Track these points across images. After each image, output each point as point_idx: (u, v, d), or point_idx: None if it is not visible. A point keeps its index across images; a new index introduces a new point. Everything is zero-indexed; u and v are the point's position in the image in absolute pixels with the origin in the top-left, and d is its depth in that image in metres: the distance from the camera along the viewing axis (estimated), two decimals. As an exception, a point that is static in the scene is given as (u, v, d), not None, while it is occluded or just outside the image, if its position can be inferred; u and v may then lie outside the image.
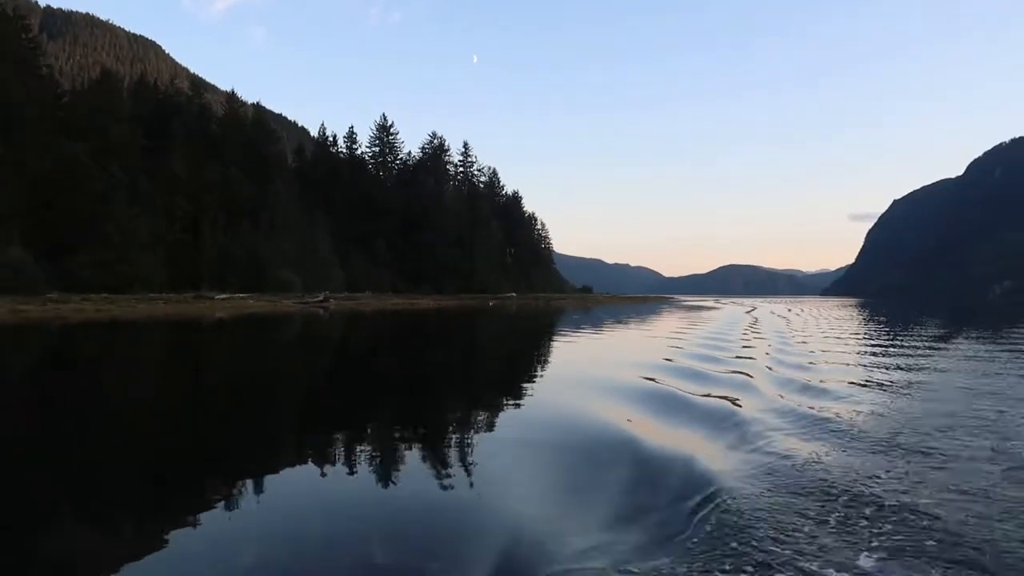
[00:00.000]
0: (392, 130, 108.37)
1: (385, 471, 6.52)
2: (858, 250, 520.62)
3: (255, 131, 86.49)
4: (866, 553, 4.15)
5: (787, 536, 4.42)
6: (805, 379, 12.26)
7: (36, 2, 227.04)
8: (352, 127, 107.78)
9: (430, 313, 53.76)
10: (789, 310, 62.23)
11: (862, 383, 11.95)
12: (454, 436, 8.21)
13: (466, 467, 6.51)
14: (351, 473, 6.50)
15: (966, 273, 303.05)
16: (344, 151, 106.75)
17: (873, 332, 29.40)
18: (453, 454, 7.12)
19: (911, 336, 25.74)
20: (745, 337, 24.62)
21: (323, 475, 6.46)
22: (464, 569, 4.11)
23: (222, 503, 5.51)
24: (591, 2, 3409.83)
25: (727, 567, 3.97)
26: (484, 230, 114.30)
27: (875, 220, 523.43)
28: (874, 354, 18.41)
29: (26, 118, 56.09)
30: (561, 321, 42.98)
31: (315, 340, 27.36)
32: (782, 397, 10.22)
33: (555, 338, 27.30)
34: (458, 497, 5.66)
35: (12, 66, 57.40)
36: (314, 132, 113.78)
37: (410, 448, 7.41)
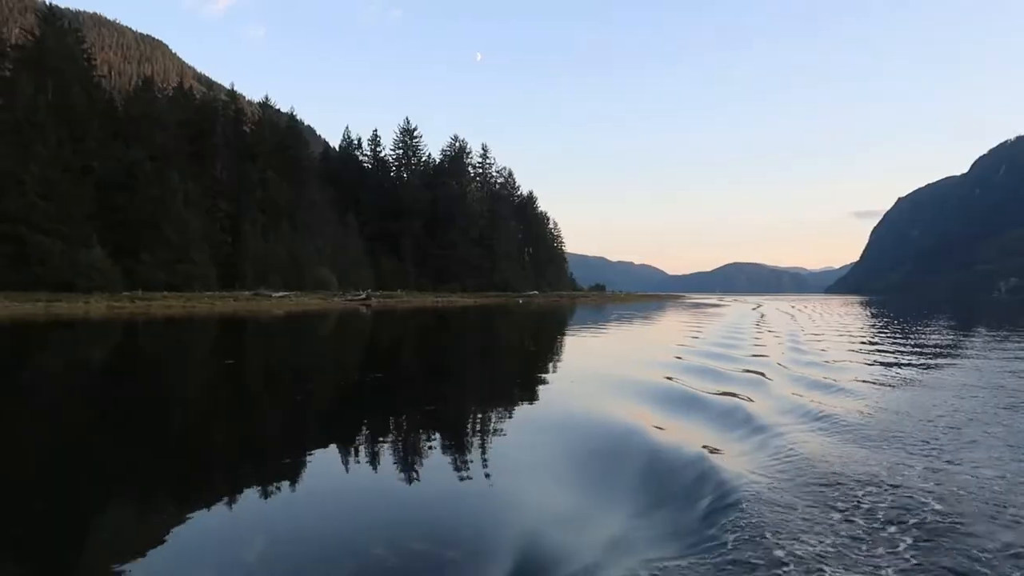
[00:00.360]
0: (416, 133, 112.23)
1: (417, 461, 6.97)
2: (863, 248, 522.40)
3: (289, 136, 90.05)
4: (888, 554, 4.11)
5: (807, 537, 4.36)
6: (822, 377, 12.20)
7: (45, 2, 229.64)
8: (376, 131, 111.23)
9: (469, 310, 56.79)
10: (795, 308, 61.51)
11: (878, 381, 11.84)
12: (478, 428, 8.90)
13: (485, 460, 6.89)
14: (395, 461, 6.99)
15: (971, 271, 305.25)
16: (368, 153, 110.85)
17: (883, 330, 29.31)
18: (477, 446, 7.68)
19: (921, 334, 25.71)
20: (757, 334, 25.09)
21: (354, 464, 6.96)
22: (484, 561, 4.29)
23: (254, 489, 5.91)
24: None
25: (744, 565, 3.97)
26: (504, 230, 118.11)
27: (880, 218, 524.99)
28: (887, 351, 18.22)
29: (89, 126, 59.73)
30: (586, 318, 45.42)
31: (388, 334, 30.12)
32: (800, 396, 10.07)
33: (585, 333, 29.67)
34: (477, 489, 5.97)
35: (75, 77, 61.11)
36: (318, 130, 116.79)
37: (442, 440, 8.03)
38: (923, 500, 5.03)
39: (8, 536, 4.91)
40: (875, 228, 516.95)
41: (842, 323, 34.01)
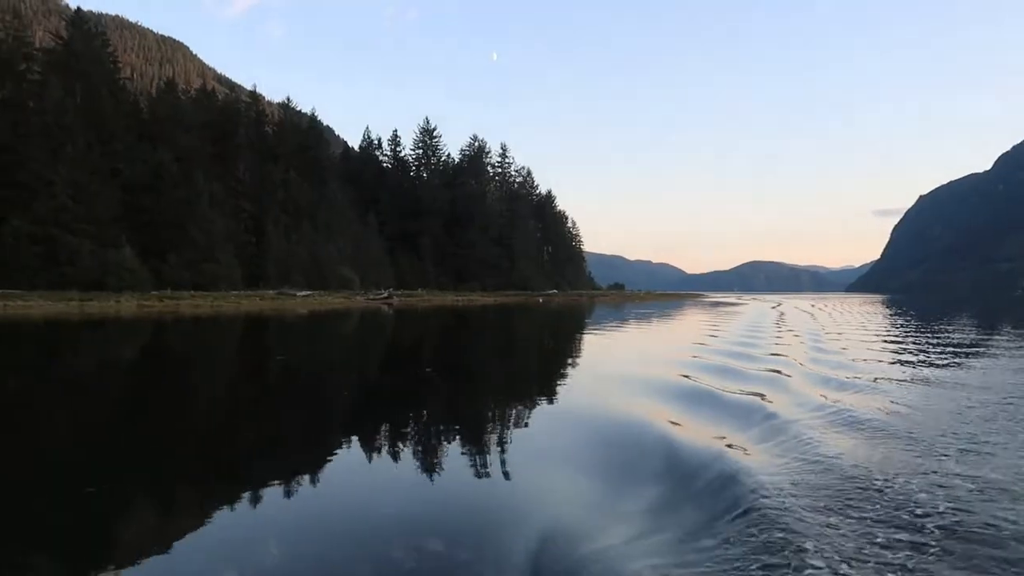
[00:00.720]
0: (435, 134, 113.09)
1: (435, 459, 7.20)
2: (883, 246, 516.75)
3: (310, 136, 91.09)
4: (912, 556, 4.07)
5: (829, 536, 4.33)
6: (842, 376, 12.12)
7: (67, 4, 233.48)
8: (396, 131, 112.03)
9: (489, 309, 57.40)
10: (815, 306, 61.05)
11: (899, 380, 11.70)
12: (498, 426, 9.18)
13: (503, 458, 7.05)
14: (416, 459, 7.32)
15: (992, 268, 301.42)
16: (388, 153, 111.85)
17: (904, 329, 29.03)
18: (497, 443, 7.87)
19: (943, 333, 25.37)
20: (777, 333, 25.13)
21: (372, 460, 7.28)
22: (502, 563, 4.33)
23: (275, 487, 6.07)
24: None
25: (767, 565, 3.94)
26: (523, 229, 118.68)
27: (900, 216, 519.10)
28: (908, 350, 18.09)
29: (116, 129, 60.92)
30: (604, 317, 45.97)
31: (411, 332, 30.79)
32: (821, 395, 10.00)
33: (604, 332, 30.03)
34: (496, 488, 6.15)
35: (102, 80, 62.35)
36: (337, 130, 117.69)
37: (462, 437, 8.30)
38: (947, 502, 4.94)
39: (41, 527, 5.15)
40: (896, 226, 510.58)
41: (862, 322, 33.94)
